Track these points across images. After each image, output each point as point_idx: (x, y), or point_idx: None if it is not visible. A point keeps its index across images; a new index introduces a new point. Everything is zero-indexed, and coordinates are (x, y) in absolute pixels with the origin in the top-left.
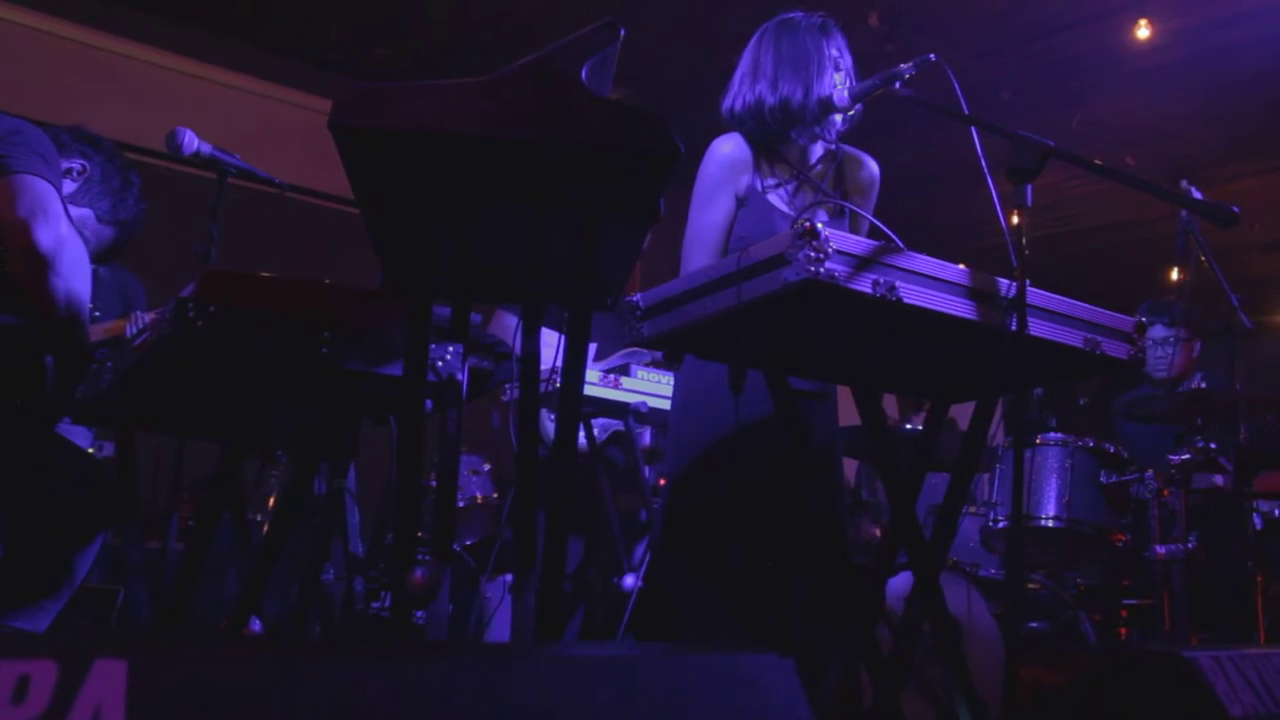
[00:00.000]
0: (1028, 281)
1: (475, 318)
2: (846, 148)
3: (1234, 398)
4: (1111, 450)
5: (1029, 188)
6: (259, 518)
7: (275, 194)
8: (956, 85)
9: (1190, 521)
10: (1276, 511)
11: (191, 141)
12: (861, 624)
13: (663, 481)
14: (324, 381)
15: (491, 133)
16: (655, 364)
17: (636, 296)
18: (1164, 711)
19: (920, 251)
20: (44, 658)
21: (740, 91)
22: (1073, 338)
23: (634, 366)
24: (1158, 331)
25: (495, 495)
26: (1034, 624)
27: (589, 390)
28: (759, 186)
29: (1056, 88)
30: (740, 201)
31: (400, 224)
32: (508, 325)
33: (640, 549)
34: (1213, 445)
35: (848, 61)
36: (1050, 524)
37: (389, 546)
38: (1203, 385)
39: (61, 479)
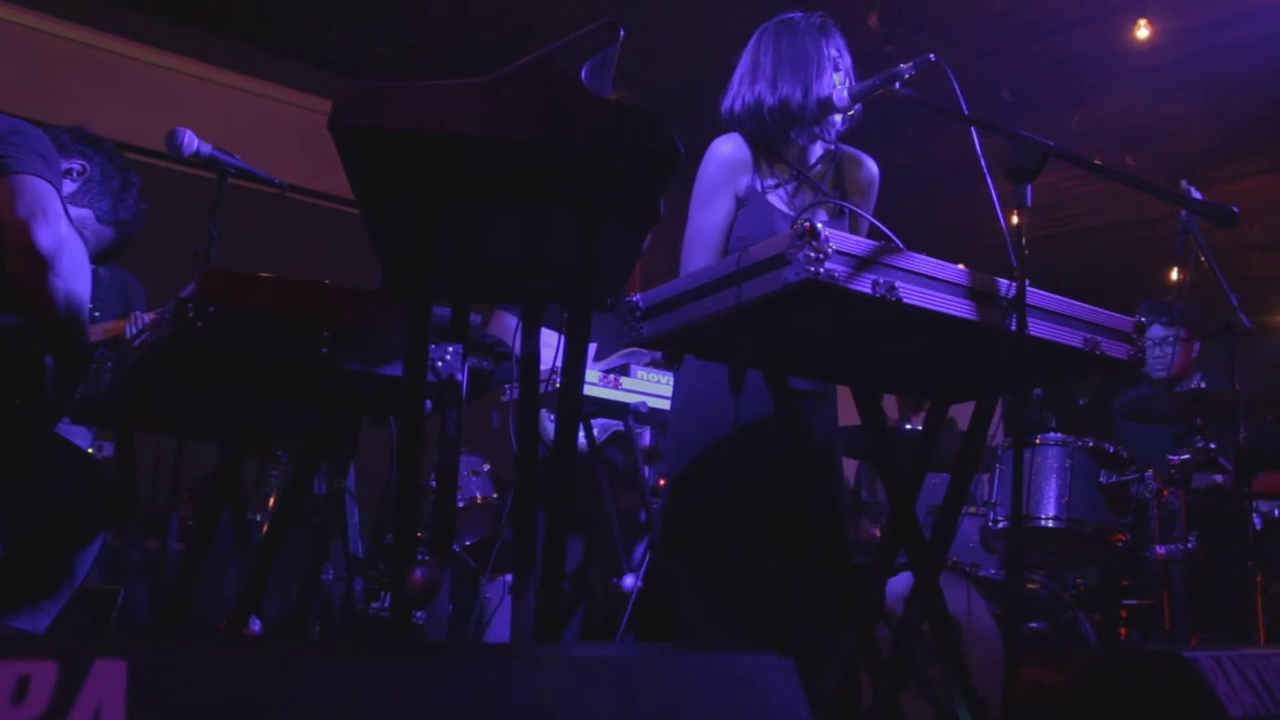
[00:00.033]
0: (1027, 281)
1: (475, 318)
2: (846, 148)
3: (1234, 398)
4: (1111, 450)
5: (1029, 188)
6: (259, 518)
7: (275, 194)
8: (956, 85)
9: (1190, 521)
10: (1276, 511)
11: (191, 141)
12: (861, 624)
13: (662, 482)
14: (324, 381)
15: (491, 133)
16: (655, 364)
17: (636, 297)
18: (1164, 712)
19: (920, 251)
20: (44, 658)
21: (739, 92)
22: (1072, 338)
23: (634, 367)
24: (1156, 331)
25: (495, 495)
26: (1034, 624)
27: (589, 390)
28: (759, 187)
29: (1056, 88)
30: (740, 202)
31: (400, 224)
32: (507, 325)
33: (640, 549)
34: (1212, 445)
35: (847, 61)
36: (1050, 524)
37: (389, 547)
38: (1202, 385)
39: (61, 479)
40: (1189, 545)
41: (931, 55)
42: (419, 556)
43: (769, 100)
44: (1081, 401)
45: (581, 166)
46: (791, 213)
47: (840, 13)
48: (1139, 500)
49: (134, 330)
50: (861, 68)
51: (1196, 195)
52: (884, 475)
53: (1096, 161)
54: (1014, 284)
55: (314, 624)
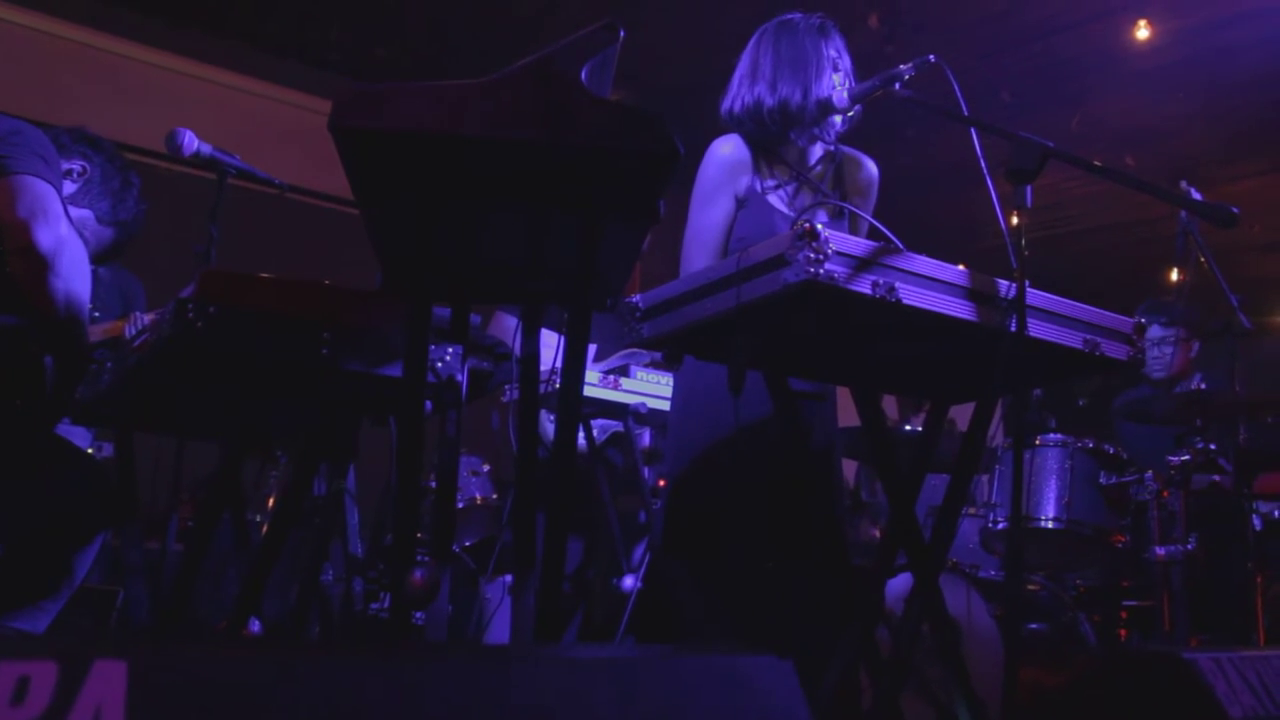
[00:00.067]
0: (1027, 282)
1: (475, 319)
2: (846, 149)
3: (1233, 399)
4: (1111, 451)
5: (1029, 189)
6: (258, 518)
7: (275, 194)
8: (956, 86)
9: (1190, 523)
10: (1276, 513)
11: (191, 142)
12: (861, 625)
13: (662, 482)
14: (323, 382)
15: (491, 133)
16: (655, 365)
17: (636, 297)
18: (1164, 713)
19: (920, 253)
20: (44, 658)
21: (739, 93)
22: (1072, 339)
23: (633, 367)
24: (1155, 332)
25: (495, 496)
26: (1033, 625)
27: (588, 391)
28: (758, 188)
29: (1056, 89)
30: (740, 203)
31: (400, 224)
32: (507, 326)
33: (639, 550)
34: (1212, 446)
35: (847, 62)
36: (1050, 525)
37: (388, 547)
38: (1202, 386)
39: (61, 479)
40: (1189, 546)
41: (931, 56)
42: (418, 557)
43: (768, 101)
44: (1081, 402)
45: (581, 167)
46: (791, 214)
47: (840, 14)
48: (1139, 501)
49: (133, 331)
50: (861, 69)
51: (1196, 196)
52: (884, 476)
53: (1096, 162)
54: (1014, 285)
55: (313, 625)
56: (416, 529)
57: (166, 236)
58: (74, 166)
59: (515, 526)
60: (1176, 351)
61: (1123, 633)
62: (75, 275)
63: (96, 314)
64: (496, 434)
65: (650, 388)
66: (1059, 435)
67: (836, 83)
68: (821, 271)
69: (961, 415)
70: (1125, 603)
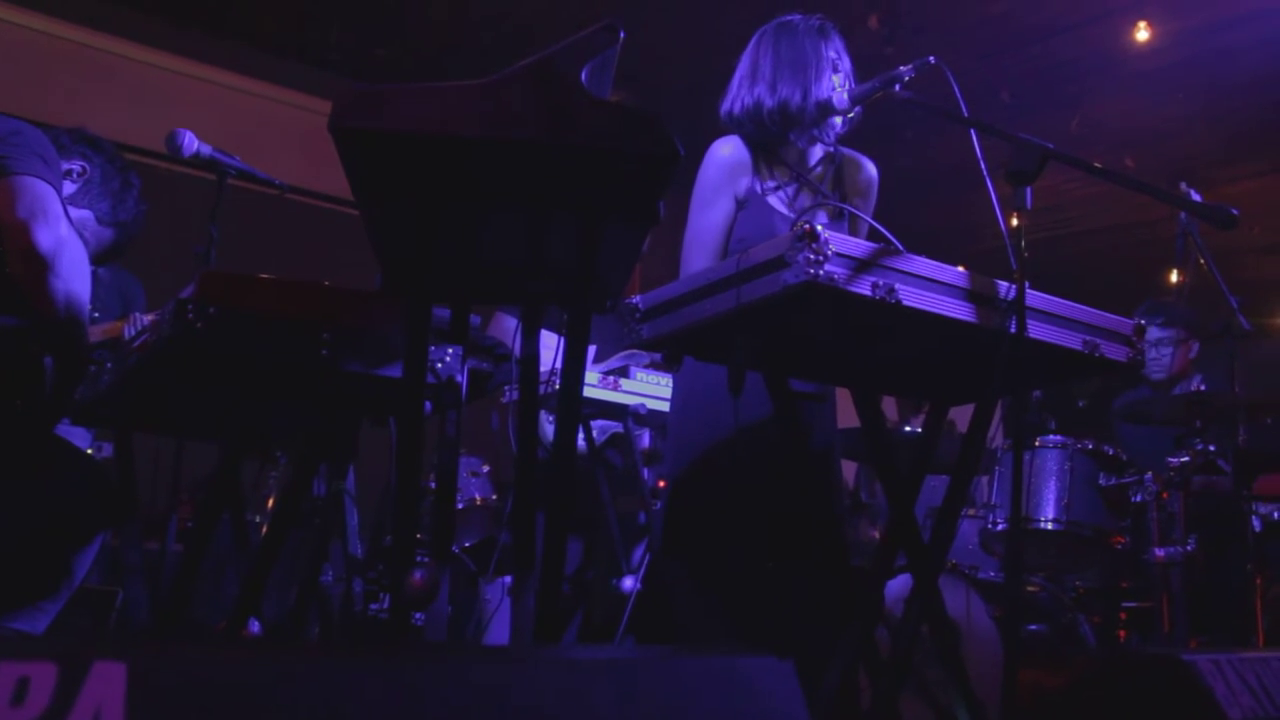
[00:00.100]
0: (1027, 284)
1: (474, 319)
2: (845, 150)
3: (1233, 400)
4: (1110, 453)
5: (1028, 190)
6: (258, 519)
7: (275, 195)
8: (956, 87)
9: (1189, 524)
10: (1276, 514)
11: (191, 143)
12: (860, 626)
13: (662, 483)
14: (323, 383)
15: (491, 135)
16: (654, 366)
17: (636, 299)
18: (1163, 714)
19: (920, 254)
20: (43, 659)
21: (739, 94)
22: (1072, 340)
23: (633, 368)
24: (1153, 333)
25: (494, 497)
26: (1033, 626)
27: (588, 392)
28: (758, 189)
29: (1056, 90)
30: (740, 204)
31: (400, 226)
32: (507, 327)
33: (639, 551)
34: (1212, 448)
35: (846, 64)
36: (1049, 526)
37: (388, 548)
38: (1202, 388)
39: (61, 480)
40: (1188, 548)
41: (931, 58)
42: (418, 558)
43: (768, 103)
44: (1081, 404)
45: (581, 168)
46: (791, 215)
47: (840, 15)
48: (1138, 503)
49: (133, 331)
50: (861, 70)
51: (1196, 197)
52: (883, 477)
53: (1096, 164)
54: (1013, 286)
55: (313, 625)
56: (416, 530)
57: (166, 237)
58: (74, 167)
59: (515, 527)
60: (1175, 353)
61: (1122, 634)
62: (75, 276)
63: (96, 315)
64: (496, 435)
65: (650, 389)
66: (1058, 437)
67: (836, 84)
68: (821, 273)
69: (961, 416)
70: (1125, 604)
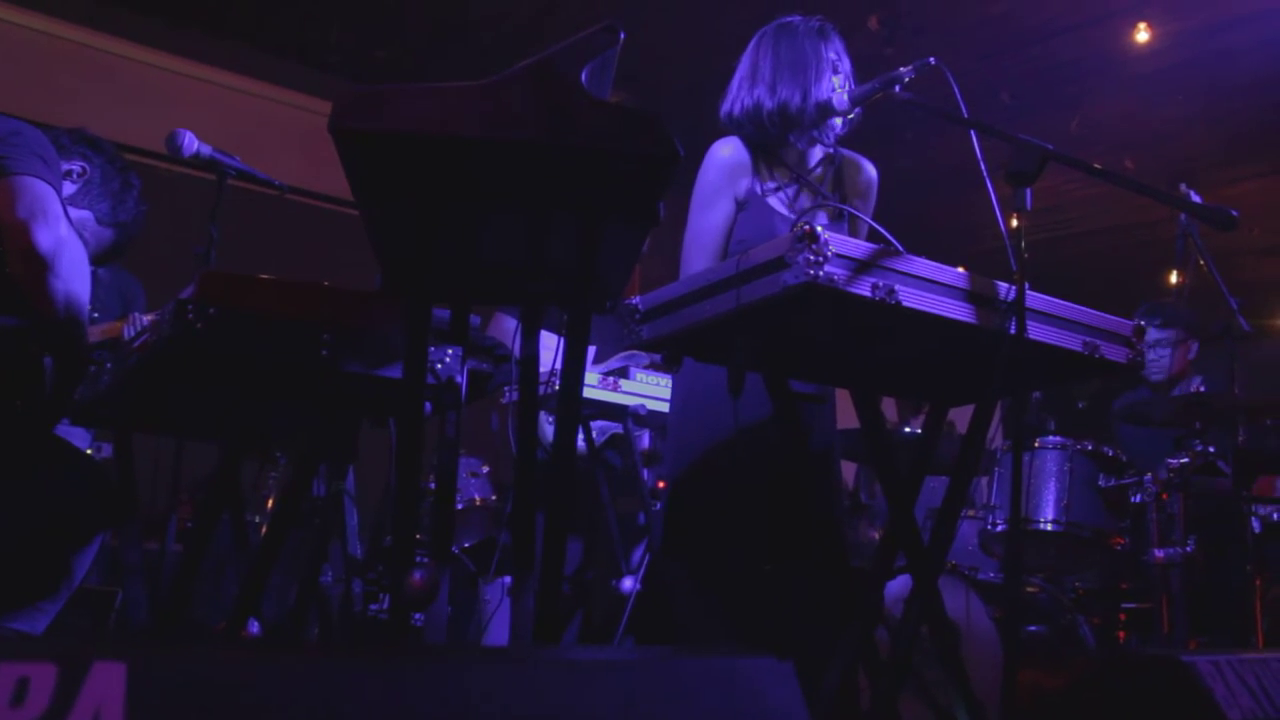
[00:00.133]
0: (1027, 285)
1: (474, 320)
2: (845, 151)
3: (1233, 401)
4: (1110, 454)
5: (1028, 191)
6: (257, 519)
7: (275, 196)
8: (956, 88)
9: (1189, 525)
10: (1275, 515)
11: (191, 143)
12: (860, 627)
13: (661, 484)
14: (323, 383)
15: (491, 135)
16: (654, 367)
17: (636, 299)
18: (1162, 715)
19: (919, 255)
20: (43, 660)
21: (738, 96)
22: (1072, 341)
23: (633, 369)
24: (1151, 334)
25: (494, 498)
26: (1032, 627)
27: (588, 393)
28: (758, 190)
29: (1056, 91)
30: (740, 205)
31: (400, 226)
32: (507, 328)
33: (638, 551)
34: (1211, 449)
35: (846, 65)
36: (1049, 527)
37: (387, 549)
38: (1202, 389)
39: (60, 480)
40: (1188, 549)
41: (931, 59)
42: (418, 559)
43: (768, 104)
44: (1080, 405)
45: (581, 169)
46: (791, 216)
47: (839, 16)
48: (1138, 504)
49: (132, 332)
50: (861, 71)
51: (1196, 199)
52: (883, 478)
53: (1096, 165)
54: (1013, 287)
55: (313, 626)
56: (416, 530)
57: (166, 237)
58: (74, 167)
59: (514, 528)
60: (1174, 354)
61: (1121, 635)
62: (75, 276)
63: (95, 315)
64: (496, 435)
65: (649, 389)
66: (1058, 438)
67: (836, 85)
68: (821, 274)
69: (961, 417)
70: (1124, 605)
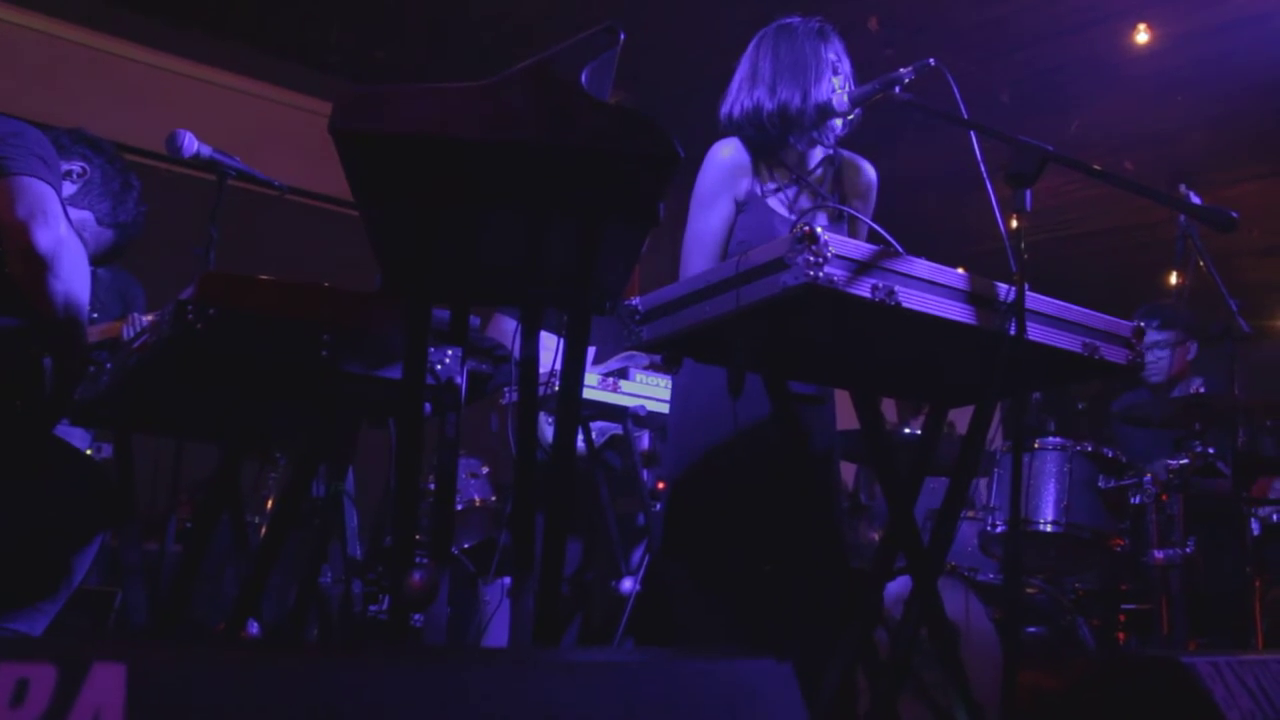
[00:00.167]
0: (1026, 286)
1: (474, 321)
2: (845, 152)
3: (1232, 403)
4: (1110, 455)
5: (1028, 192)
6: (257, 520)
7: (275, 196)
8: (955, 90)
9: (1188, 526)
10: (1275, 516)
11: (191, 143)
12: (859, 628)
13: (661, 485)
14: (323, 384)
15: (491, 136)
16: (654, 367)
17: (635, 300)
18: (1162, 717)
19: (919, 256)
20: (43, 661)
21: (738, 97)
22: (1071, 342)
23: (632, 370)
24: (1150, 336)
25: (493, 498)
26: (1032, 629)
27: (587, 393)
28: (758, 191)
29: (1055, 93)
30: (739, 206)
31: (400, 227)
32: (506, 328)
33: (638, 552)
34: (1211, 450)
35: (846, 66)
36: (1048, 528)
37: (387, 549)
38: (1201, 390)
39: (59, 480)
40: (1187, 550)
41: (931, 60)
42: (417, 559)
43: (768, 105)
44: (1080, 406)
45: (581, 170)
46: (791, 217)
47: (839, 17)
48: (1137, 505)
49: (132, 332)
50: (860, 72)
51: (1195, 200)
52: (882, 479)
53: (1095, 166)
54: (1013, 288)
55: (312, 627)
56: (415, 531)
57: (166, 238)
58: (74, 168)
59: (514, 529)
60: (1173, 355)
61: (1121, 636)
62: (75, 276)
63: (95, 315)
64: (495, 436)
65: (649, 390)
66: (1058, 439)
67: (836, 86)
68: (821, 275)
69: (960, 418)
70: (1124, 606)
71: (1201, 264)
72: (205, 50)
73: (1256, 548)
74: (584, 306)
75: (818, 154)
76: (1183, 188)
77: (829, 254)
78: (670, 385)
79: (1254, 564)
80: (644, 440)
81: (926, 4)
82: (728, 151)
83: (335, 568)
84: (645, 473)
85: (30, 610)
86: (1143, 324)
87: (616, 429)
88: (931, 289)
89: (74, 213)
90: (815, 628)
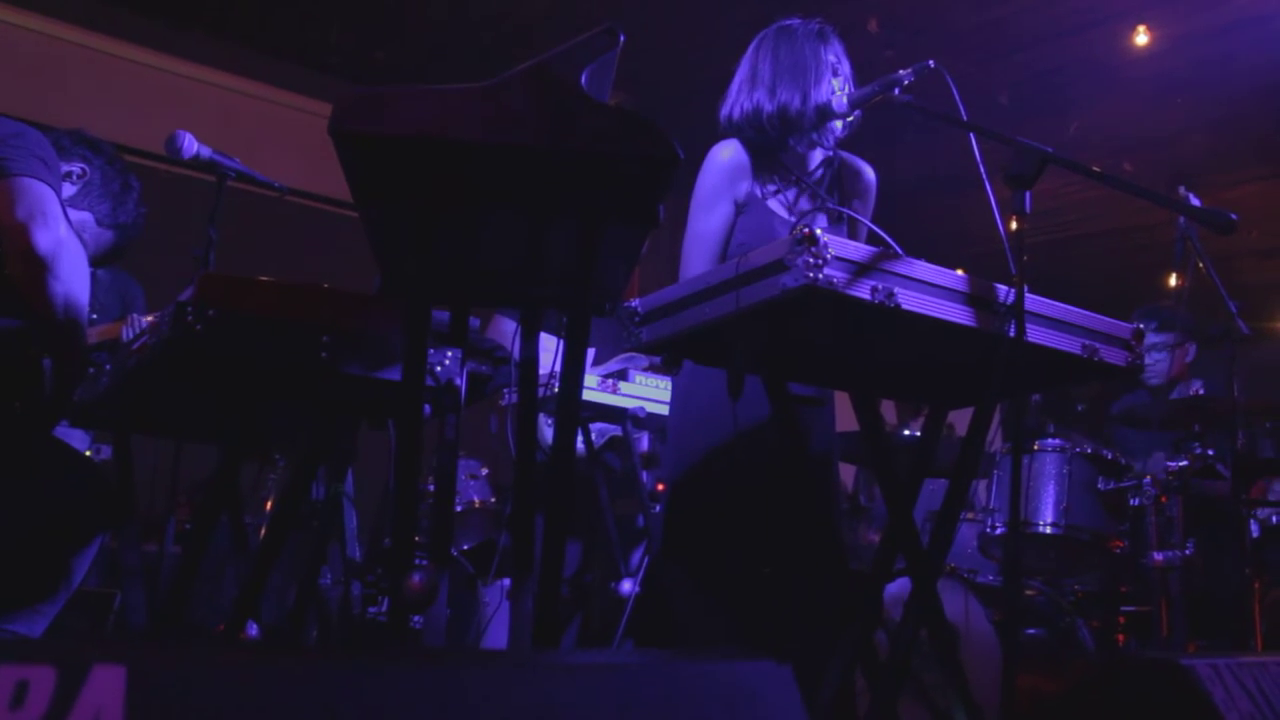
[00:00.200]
0: (1026, 287)
1: (474, 322)
2: (844, 154)
3: (1232, 404)
4: (1109, 457)
5: (1027, 194)
6: (256, 521)
7: (274, 197)
8: (955, 91)
9: (1188, 528)
10: (1275, 518)
11: (191, 145)
12: (859, 629)
13: (660, 487)
14: (322, 386)
15: (491, 138)
16: (653, 369)
17: (635, 302)
18: (1161, 719)
19: (919, 258)
20: (42, 663)
21: (738, 99)
22: (1071, 344)
23: (632, 371)
24: (1149, 338)
25: (493, 500)
26: (1032, 631)
27: (587, 395)
28: (758, 193)
29: (1055, 94)
30: (739, 208)
31: (399, 228)
32: (506, 330)
33: (638, 554)
34: (1210, 452)
35: (846, 68)
36: (1048, 530)
37: (386, 551)
38: (1200, 392)
39: (59, 482)
40: (1187, 552)
41: (930, 61)
42: (417, 561)
43: (768, 107)
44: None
45: (581, 172)
46: (791, 219)
47: (839, 18)
48: (1137, 507)
49: (131, 333)
50: (860, 74)
51: (1195, 202)
52: (882, 481)
53: (1095, 168)
54: (1012, 290)
55: (311, 628)
56: (415, 532)
57: (166, 239)
58: (74, 169)
59: (513, 530)
60: (1171, 357)
61: (1120, 638)
62: (74, 278)
63: (94, 316)
64: (495, 438)
65: (649, 392)
66: (1057, 440)
67: (836, 88)
68: (820, 276)
69: (960, 420)
70: (1123, 608)
71: (1201, 266)
72: (205, 51)
73: (1256, 549)
74: (584, 308)
75: (817, 156)
76: (1182, 189)
77: (828, 256)
78: (670, 387)
79: (1253, 566)
80: (643, 442)
81: (926, 5)
82: (727, 153)
83: (334, 569)
84: (645, 474)
85: (29, 612)
86: (1142, 326)
87: (616, 430)
88: (931, 291)
89: (74, 214)
90: (815, 629)
